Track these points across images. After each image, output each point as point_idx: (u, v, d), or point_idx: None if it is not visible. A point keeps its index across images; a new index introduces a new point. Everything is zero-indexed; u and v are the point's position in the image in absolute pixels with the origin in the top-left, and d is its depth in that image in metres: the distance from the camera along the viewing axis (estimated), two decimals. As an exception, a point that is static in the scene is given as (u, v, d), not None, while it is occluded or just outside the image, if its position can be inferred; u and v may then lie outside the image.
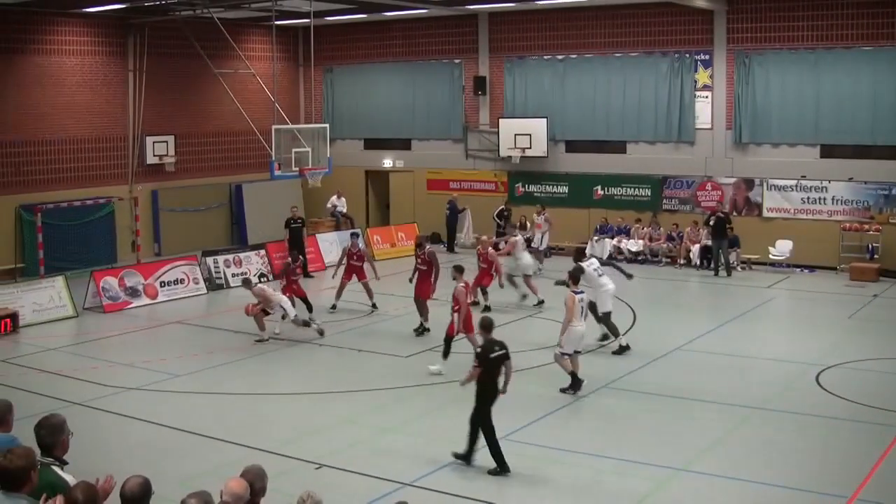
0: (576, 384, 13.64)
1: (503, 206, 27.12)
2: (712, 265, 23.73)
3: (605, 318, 16.24)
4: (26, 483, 5.48)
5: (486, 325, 11.24)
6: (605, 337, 16.56)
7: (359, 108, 30.77)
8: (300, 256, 20.37)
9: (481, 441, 10.74)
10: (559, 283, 16.61)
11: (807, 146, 24.07)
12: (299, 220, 23.96)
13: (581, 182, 27.15)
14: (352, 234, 21.12)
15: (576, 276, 14.03)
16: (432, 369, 14.71)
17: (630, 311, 19.09)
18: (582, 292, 13.85)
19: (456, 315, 14.88)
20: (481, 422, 10.72)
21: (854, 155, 23.46)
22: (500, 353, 10.91)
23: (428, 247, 18.24)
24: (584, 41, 26.76)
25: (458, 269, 15.55)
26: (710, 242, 23.94)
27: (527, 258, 20.46)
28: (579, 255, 17.43)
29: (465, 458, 10.85)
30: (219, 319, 19.08)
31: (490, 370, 10.80)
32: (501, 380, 10.95)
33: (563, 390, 13.67)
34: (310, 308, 18.49)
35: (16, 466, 5.42)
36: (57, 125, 24.85)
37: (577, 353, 13.79)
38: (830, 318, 19.07)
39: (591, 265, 16.47)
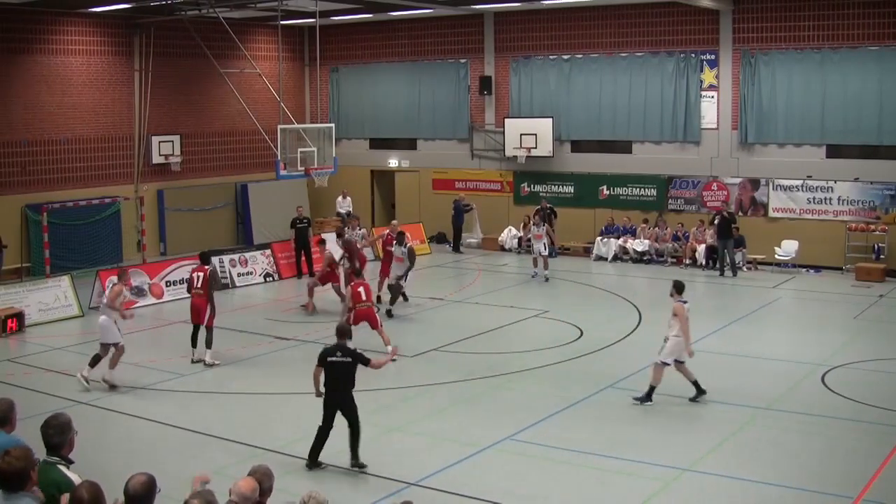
0: (650, 395, 13.20)
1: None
2: (718, 265, 23.70)
3: (396, 283, 19.38)
4: (27, 483, 5.50)
5: (339, 331, 11.12)
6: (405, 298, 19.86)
7: (364, 107, 30.78)
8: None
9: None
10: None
11: (813, 146, 24.03)
12: (305, 220, 23.98)
13: (587, 182, 27.13)
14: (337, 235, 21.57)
15: (680, 286, 13.40)
16: None
17: (635, 311, 19.06)
18: (687, 301, 13.28)
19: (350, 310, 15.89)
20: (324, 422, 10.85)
21: (860, 155, 23.42)
22: (341, 359, 10.73)
23: (347, 235, 20.53)
24: (590, 41, 26.74)
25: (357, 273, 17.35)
26: (715, 242, 23.90)
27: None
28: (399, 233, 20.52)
29: (314, 461, 10.86)
30: (224, 319, 19.05)
31: (328, 374, 10.72)
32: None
33: (637, 399, 13.17)
34: (209, 344, 15.56)
35: (14, 469, 5.42)
36: (63, 125, 24.91)
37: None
38: (836, 318, 19.04)
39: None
